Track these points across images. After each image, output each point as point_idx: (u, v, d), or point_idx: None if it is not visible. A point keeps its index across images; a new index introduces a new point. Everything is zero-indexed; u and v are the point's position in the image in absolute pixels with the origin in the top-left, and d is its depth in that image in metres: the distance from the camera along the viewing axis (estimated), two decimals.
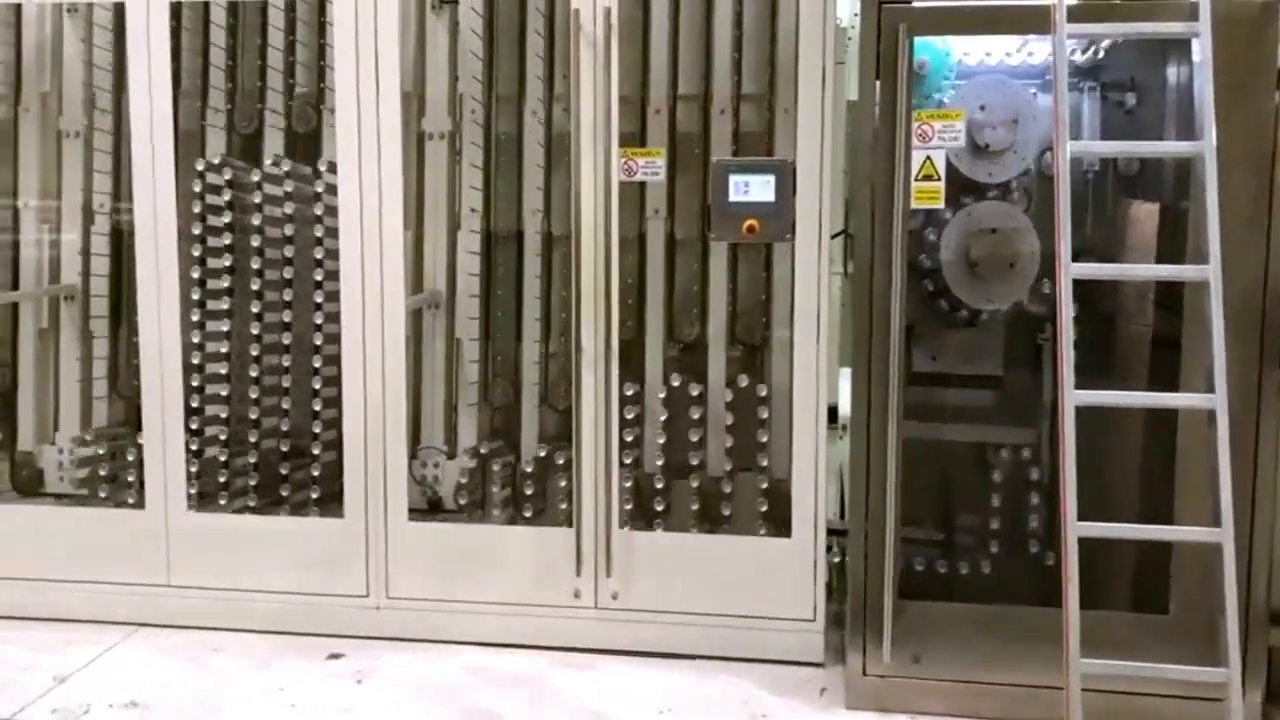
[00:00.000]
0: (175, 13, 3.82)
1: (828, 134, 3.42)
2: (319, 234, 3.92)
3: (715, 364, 3.94)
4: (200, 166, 3.99)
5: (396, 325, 3.68)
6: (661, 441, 3.84)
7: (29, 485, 4.36)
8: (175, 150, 3.74)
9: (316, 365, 3.96)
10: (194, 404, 3.93)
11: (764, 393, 3.78)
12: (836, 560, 3.87)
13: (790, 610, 3.56)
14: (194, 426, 3.91)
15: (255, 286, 3.97)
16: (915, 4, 3.06)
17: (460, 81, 4.10)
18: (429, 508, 4.13)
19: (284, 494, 4.01)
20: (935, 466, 3.64)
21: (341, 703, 3.36)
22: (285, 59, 4.17)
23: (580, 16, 3.47)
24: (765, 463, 3.78)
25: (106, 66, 4.25)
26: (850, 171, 3.69)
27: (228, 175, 4.02)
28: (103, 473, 4.15)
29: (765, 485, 3.76)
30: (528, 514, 3.95)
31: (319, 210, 3.93)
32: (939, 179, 3.24)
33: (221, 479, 3.98)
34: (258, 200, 3.98)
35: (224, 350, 4.00)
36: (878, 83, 3.10)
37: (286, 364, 3.99)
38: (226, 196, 4.02)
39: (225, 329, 4.01)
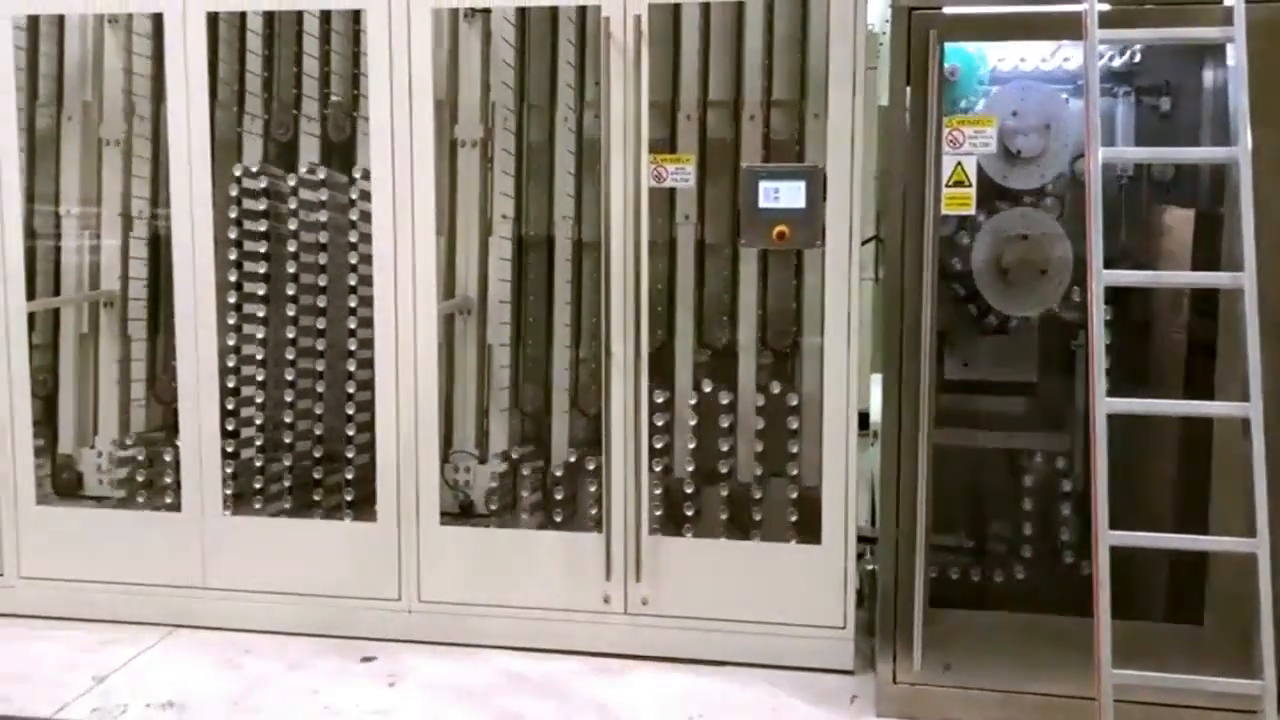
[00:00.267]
0: (212, 23, 3.88)
1: (859, 140, 3.41)
2: (353, 240, 3.96)
3: (745, 370, 3.94)
4: (237, 173, 4.05)
5: (429, 331, 3.71)
6: (691, 447, 3.84)
7: (69, 488, 4.43)
8: (212, 158, 3.79)
9: (350, 370, 4.00)
10: (230, 408, 3.98)
11: (794, 399, 3.78)
12: (869, 568, 3.86)
13: (820, 617, 3.56)
14: (230, 430, 3.96)
15: (290, 292, 4.01)
16: (945, 10, 3.05)
17: (492, 89, 4.13)
18: (460, 512, 4.15)
19: (318, 497, 4.05)
20: (967, 473, 3.62)
21: (374, 705, 3.39)
22: (320, 68, 4.22)
23: (611, 24, 3.48)
24: (796, 469, 3.77)
25: (146, 75, 4.32)
26: (881, 177, 3.68)
27: (264, 182, 4.07)
28: (140, 476, 4.21)
29: (795, 492, 3.75)
30: (558, 519, 3.96)
31: (353, 217, 3.97)
32: (970, 185, 3.23)
33: (257, 482, 4.02)
34: (293, 207, 4.03)
35: (259, 355, 4.05)
36: (908, 89, 3.09)
37: (321, 369, 4.03)
38: (262, 203, 4.07)
39: (261, 334, 4.06)
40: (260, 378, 4.05)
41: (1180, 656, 2.95)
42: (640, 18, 3.47)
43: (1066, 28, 2.95)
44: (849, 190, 3.43)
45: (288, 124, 4.25)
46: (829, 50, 3.44)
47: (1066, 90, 3.41)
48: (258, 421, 4.05)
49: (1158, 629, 3.19)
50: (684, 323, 3.98)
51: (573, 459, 4.01)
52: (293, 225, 4.02)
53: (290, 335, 4.01)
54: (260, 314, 4.06)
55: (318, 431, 4.05)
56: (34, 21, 4.27)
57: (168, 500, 4.08)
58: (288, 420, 4.03)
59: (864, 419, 3.82)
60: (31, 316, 4.05)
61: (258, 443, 4.05)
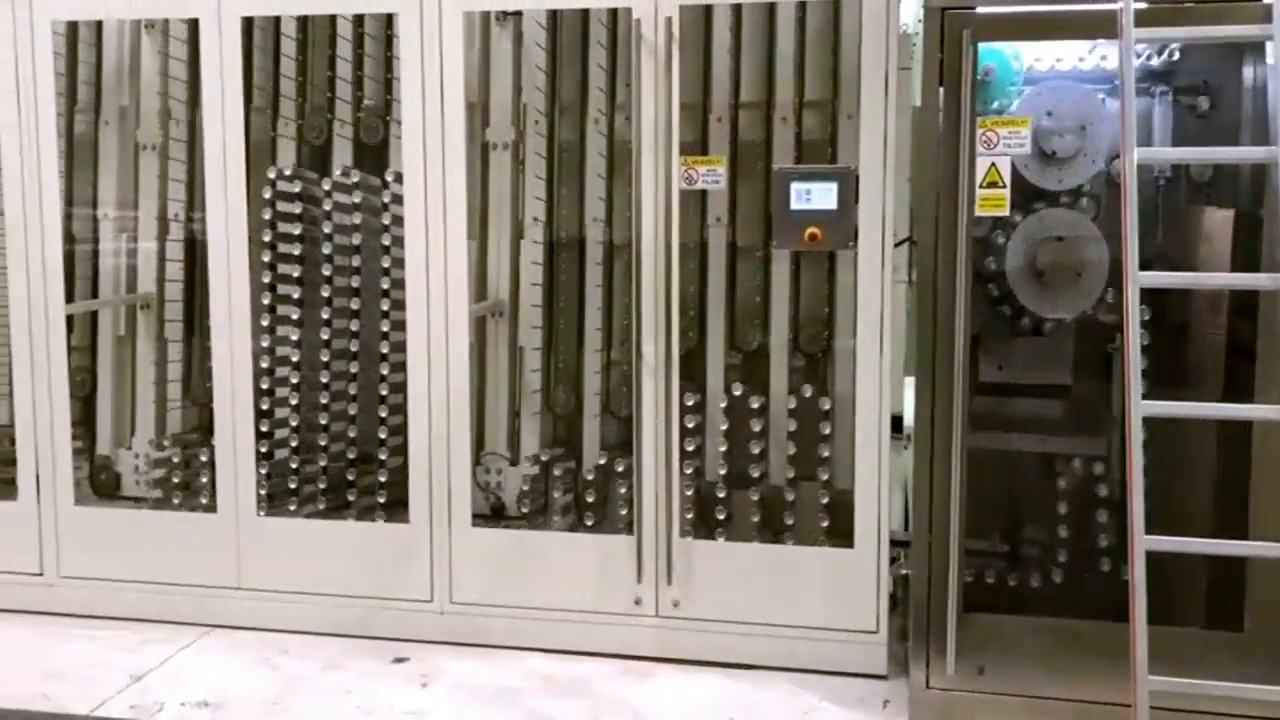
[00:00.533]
0: (247, 28, 3.91)
1: (891, 141, 3.39)
2: (386, 243, 3.98)
3: (777, 373, 3.93)
4: (271, 176, 4.08)
5: (460, 333, 3.73)
6: (723, 450, 3.83)
7: (107, 488, 4.48)
8: (247, 161, 3.83)
9: (383, 372, 4.02)
10: (264, 409, 4.01)
11: (827, 403, 3.76)
12: (902, 572, 3.83)
13: (853, 621, 3.54)
14: (264, 431, 3.99)
15: (324, 294, 4.05)
16: (979, 10, 3.03)
17: (523, 92, 4.13)
18: (492, 514, 4.17)
19: (351, 498, 4.08)
20: (1001, 477, 3.59)
21: (407, 706, 3.41)
22: (353, 72, 4.25)
23: (642, 25, 3.48)
24: (828, 473, 3.76)
25: (182, 80, 4.36)
26: (914, 179, 3.66)
27: (298, 186, 4.11)
28: (176, 477, 4.25)
29: (828, 495, 3.73)
30: (589, 521, 3.97)
31: (386, 220, 3.99)
32: (1004, 186, 3.20)
33: (291, 483, 4.06)
34: (327, 209, 4.06)
35: (293, 357, 4.08)
36: (941, 89, 3.07)
37: (354, 371, 4.05)
38: (297, 206, 4.10)
39: (295, 336, 4.09)
40: (294, 379, 4.09)
41: (1219, 663, 2.91)
42: (671, 19, 3.46)
43: (1101, 27, 2.92)
44: (881, 192, 3.41)
45: (321, 127, 4.29)
46: (861, 51, 3.42)
47: (1104, 90, 3.37)
48: (292, 423, 4.08)
49: (1196, 635, 3.15)
50: (715, 325, 3.97)
51: (604, 461, 4.01)
52: (326, 228, 4.05)
53: (324, 337, 4.04)
54: (294, 316, 4.10)
55: (351, 433, 4.08)
56: (73, 28, 4.33)
57: (203, 501, 4.12)
58: (322, 422, 4.06)
59: (897, 422, 3.80)
60: (70, 319, 4.10)
61: (292, 444, 4.08)
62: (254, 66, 4.17)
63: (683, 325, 3.65)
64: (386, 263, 3.99)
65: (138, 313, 4.49)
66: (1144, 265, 2.74)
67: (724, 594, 3.62)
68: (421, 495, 3.78)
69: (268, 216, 4.06)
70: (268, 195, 4.06)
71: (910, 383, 3.46)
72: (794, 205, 3.47)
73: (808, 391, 3.77)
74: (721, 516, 3.82)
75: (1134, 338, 2.73)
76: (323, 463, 4.08)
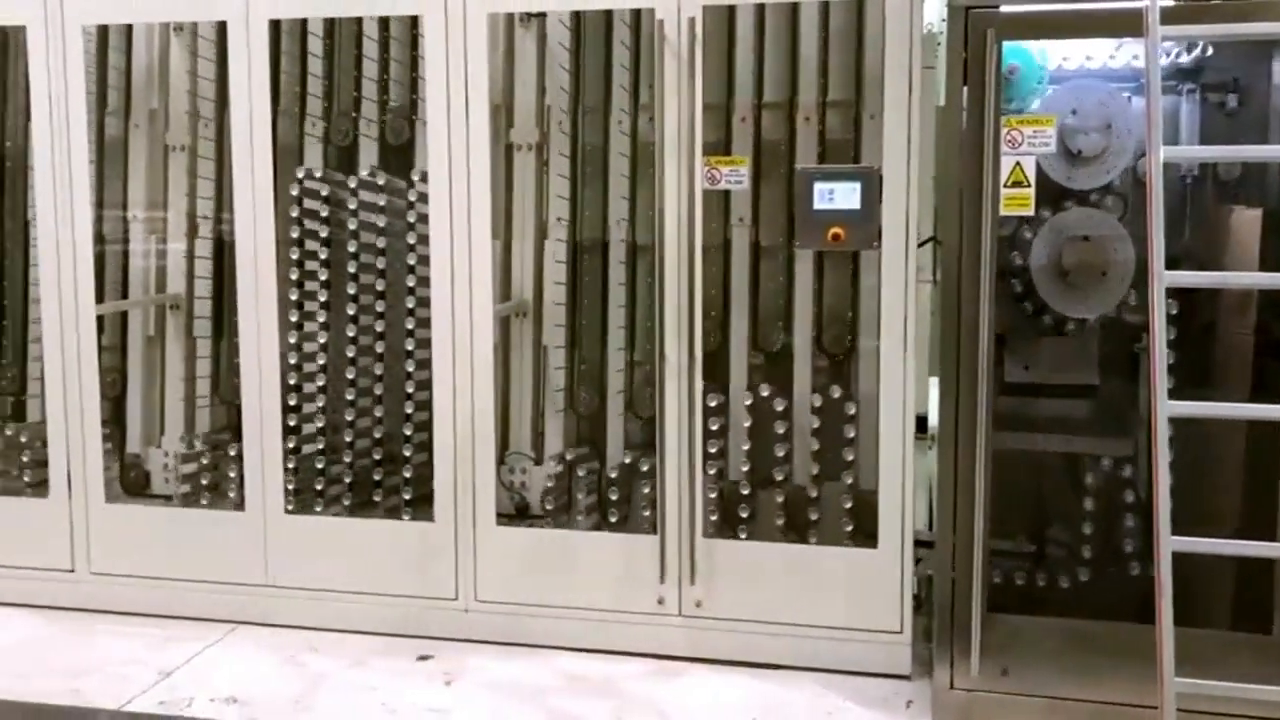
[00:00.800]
0: (274, 31, 3.94)
1: (915, 140, 3.38)
2: (411, 243, 4.01)
3: (801, 373, 3.93)
4: (299, 176, 4.12)
5: (485, 333, 3.74)
6: (746, 450, 3.83)
7: (136, 486, 4.53)
8: (274, 162, 3.86)
9: (409, 371, 4.05)
10: (291, 407, 4.04)
11: (851, 404, 3.75)
12: (926, 572, 3.82)
13: (877, 622, 3.53)
14: (291, 429, 4.03)
15: (350, 293, 4.07)
16: (1003, 9, 3.01)
17: (547, 93, 4.15)
18: (516, 513, 4.18)
19: (376, 497, 4.11)
20: (1026, 477, 3.57)
21: (432, 704, 3.43)
22: (379, 73, 4.28)
23: (665, 26, 3.49)
24: (852, 473, 3.75)
25: (211, 81, 4.40)
26: (938, 178, 3.65)
27: (325, 187, 4.14)
28: (205, 475, 4.29)
29: (852, 496, 3.73)
30: (613, 520, 3.97)
31: (411, 220, 4.02)
32: (1029, 185, 3.18)
33: (318, 482, 4.09)
34: (353, 209, 4.09)
35: (320, 357, 4.11)
36: (965, 88, 3.05)
37: (380, 370, 4.08)
38: (324, 207, 4.13)
39: (322, 336, 4.12)
40: (321, 379, 4.12)
41: (1247, 666, 2.89)
42: (694, 20, 3.47)
43: (1127, 25, 2.90)
44: (905, 191, 3.40)
45: (347, 129, 4.32)
46: (885, 50, 3.41)
47: (1130, 88, 3.35)
48: (319, 422, 4.12)
49: (1223, 637, 3.13)
50: (738, 325, 3.98)
51: (627, 461, 4.02)
52: (353, 228, 4.08)
53: (350, 335, 4.07)
54: (321, 316, 4.13)
55: (377, 432, 4.11)
56: (103, 32, 4.39)
57: (231, 499, 4.16)
58: (348, 420, 4.09)
59: (921, 422, 3.79)
60: (100, 319, 4.15)
61: (319, 443, 4.11)
62: (281, 69, 4.21)
63: (706, 325, 3.66)
64: (412, 262, 4.02)
65: (167, 313, 4.54)
66: (1171, 264, 2.72)
67: (747, 594, 3.62)
68: (447, 494, 3.80)
69: (295, 216, 4.09)
70: (295, 195, 4.10)
71: (935, 383, 3.45)
72: (817, 205, 3.47)
73: (831, 392, 3.77)
74: (745, 516, 3.82)
75: (1159, 337, 2.71)
76: (349, 461, 4.11)
